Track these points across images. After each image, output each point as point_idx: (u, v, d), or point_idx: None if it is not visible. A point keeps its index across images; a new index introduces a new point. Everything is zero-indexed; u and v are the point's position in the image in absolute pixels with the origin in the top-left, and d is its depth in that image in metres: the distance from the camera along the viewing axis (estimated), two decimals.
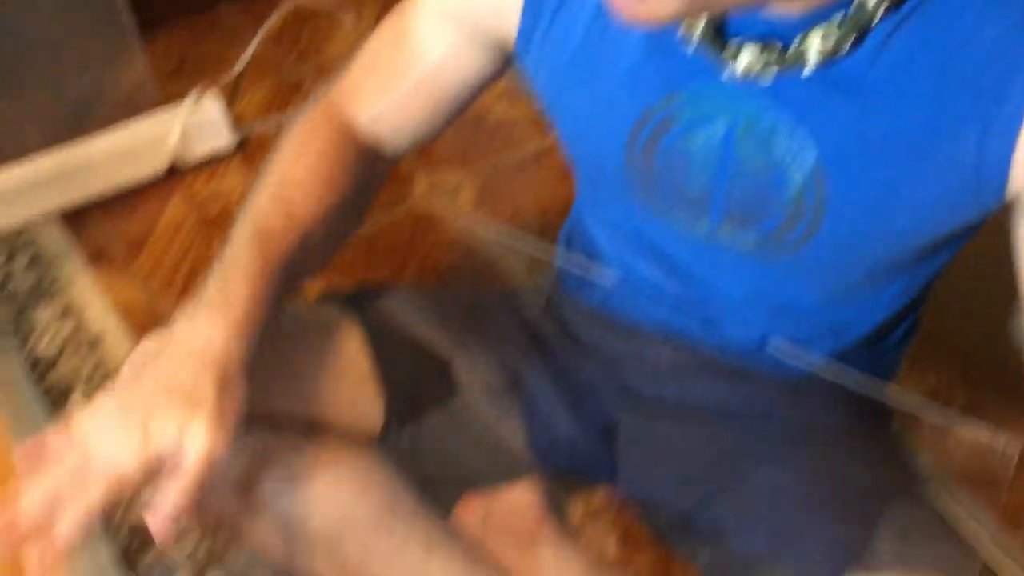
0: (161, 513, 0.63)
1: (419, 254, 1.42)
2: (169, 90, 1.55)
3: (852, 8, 0.60)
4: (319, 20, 1.80)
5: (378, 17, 1.82)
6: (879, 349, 0.86)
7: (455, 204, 1.48)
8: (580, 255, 0.92)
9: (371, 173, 0.85)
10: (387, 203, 1.44)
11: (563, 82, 0.75)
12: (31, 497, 0.61)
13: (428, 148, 1.51)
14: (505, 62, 0.82)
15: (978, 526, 0.93)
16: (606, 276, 0.87)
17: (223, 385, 0.65)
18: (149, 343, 0.67)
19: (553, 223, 0.98)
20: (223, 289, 0.70)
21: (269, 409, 0.81)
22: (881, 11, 0.60)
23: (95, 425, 0.62)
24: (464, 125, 1.55)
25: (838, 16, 0.60)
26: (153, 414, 0.62)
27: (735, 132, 0.67)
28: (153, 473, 0.62)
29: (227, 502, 0.80)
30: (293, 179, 0.78)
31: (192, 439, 0.62)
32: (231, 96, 1.62)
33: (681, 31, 0.65)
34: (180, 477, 0.61)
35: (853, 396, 0.84)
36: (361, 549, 0.80)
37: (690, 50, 0.65)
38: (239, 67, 1.66)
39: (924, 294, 0.83)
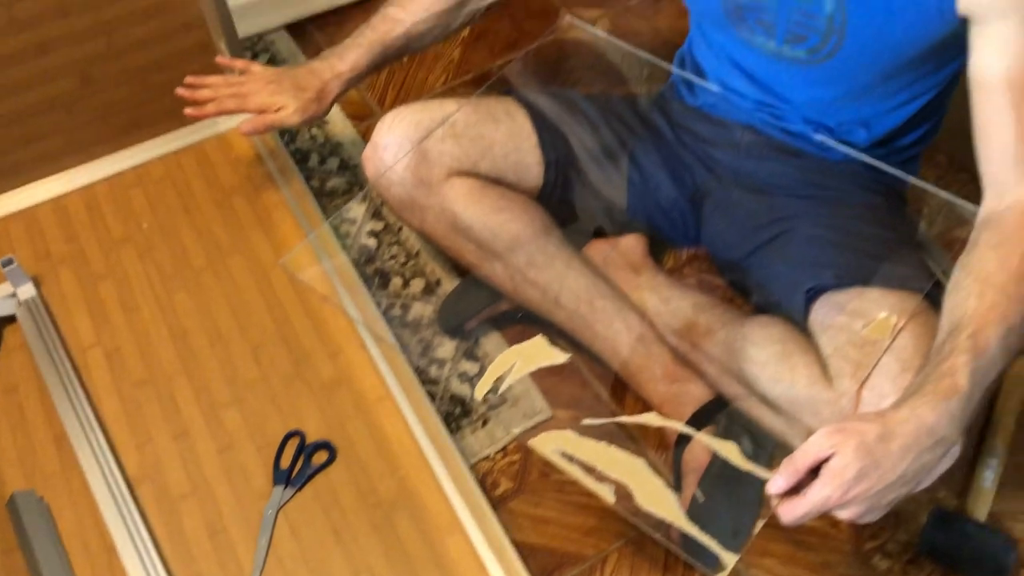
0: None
1: (570, 68, 1.63)
2: None
3: None
4: None
5: None
6: (900, 145, 1.12)
7: (593, 31, 1.69)
8: (691, 71, 1.22)
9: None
10: (539, 33, 1.72)
11: None
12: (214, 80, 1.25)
13: None
14: None
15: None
16: (708, 85, 1.18)
17: (318, 95, 1.19)
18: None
19: (669, 50, 1.25)
20: (342, 48, 1.24)
21: (472, 166, 1.18)
22: None
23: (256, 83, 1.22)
24: None
25: None
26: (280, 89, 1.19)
27: None
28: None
29: (447, 230, 1.17)
30: None
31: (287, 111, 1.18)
32: None
33: None
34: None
35: (878, 178, 1.11)
36: (525, 258, 1.16)
37: None
38: None
39: (934, 106, 1.07)
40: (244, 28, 1.67)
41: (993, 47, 0.87)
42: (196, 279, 1.35)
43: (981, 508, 1.09)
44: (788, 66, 1.03)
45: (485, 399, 1.13)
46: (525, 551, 1.11)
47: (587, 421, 0.99)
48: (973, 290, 0.84)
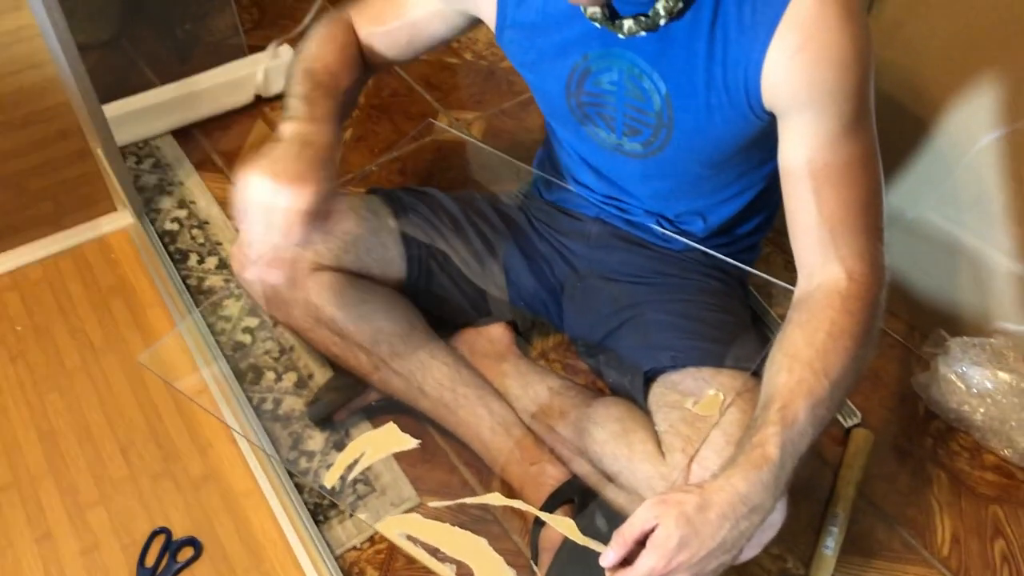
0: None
1: (439, 168, 1.69)
2: (253, 41, 1.87)
3: None
4: None
5: None
6: (738, 234, 1.20)
7: (467, 134, 1.78)
8: (548, 169, 1.30)
9: (365, 66, 1.15)
10: (418, 134, 1.80)
11: (525, 54, 1.05)
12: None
13: (450, 93, 1.87)
14: (472, 26, 1.12)
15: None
16: (559, 182, 1.25)
17: (319, 162, 0.92)
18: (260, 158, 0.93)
19: (535, 149, 1.33)
20: (306, 106, 0.98)
21: (335, 261, 1.22)
22: None
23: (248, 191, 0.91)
24: (478, 76, 1.92)
25: None
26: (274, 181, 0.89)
27: (623, 74, 0.97)
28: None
29: (312, 323, 1.19)
30: (331, 53, 1.08)
31: (292, 198, 0.89)
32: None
33: (589, 13, 0.94)
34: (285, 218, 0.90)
35: (717, 264, 1.19)
36: (389, 349, 1.19)
37: (596, 25, 0.95)
38: (306, 21, 1.95)
39: (765, 199, 1.14)
40: (128, 134, 1.72)
41: (795, 139, 0.93)
42: (68, 379, 1.36)
43: (823, 575, 1.14)
44: (627, 160, 1.09)
45: (333, 488, 1.15)
46: None
47: (433, 504, 1.01)
48: (783, 365, 0.90)
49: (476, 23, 1.11)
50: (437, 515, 1.06)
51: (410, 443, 1.09)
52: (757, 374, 1.04)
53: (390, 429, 1.10)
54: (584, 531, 1.10)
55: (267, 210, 0.89)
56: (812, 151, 0.91)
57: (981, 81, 1.21)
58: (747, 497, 0.84)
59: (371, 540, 1.20)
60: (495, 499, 1.11)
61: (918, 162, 1.33)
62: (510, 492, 1.21)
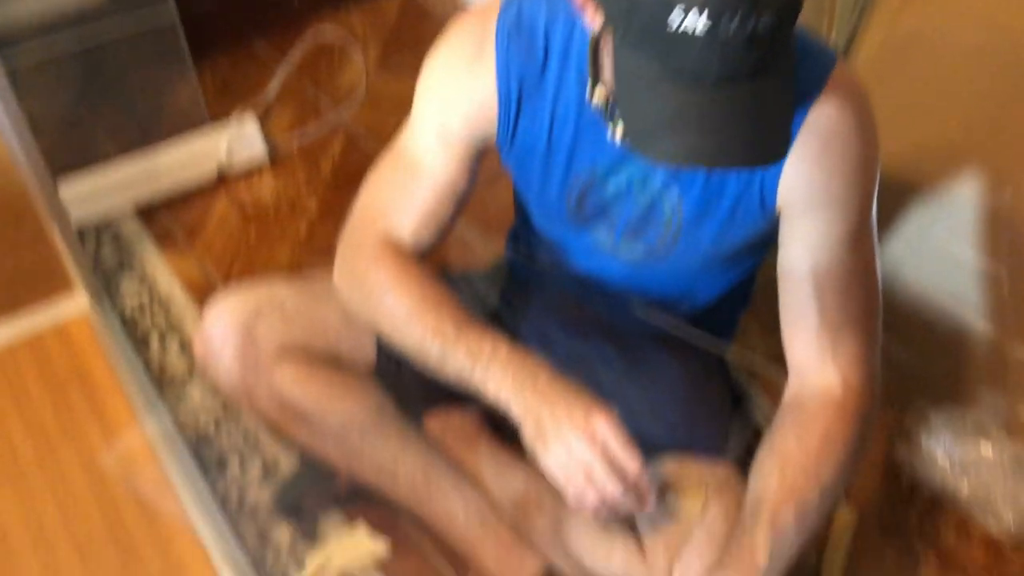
0: None
1: None
2: (215, 110, 1.84)
3: None
4: (333, 54, 2.08)
5: (379, 53, 2.09)
6: (720, 313, 1.17)
7: None
8: (523, 248, 1.26)
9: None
10: None
11: (528, 166, 1.01)
12: None
13: None
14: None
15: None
16: (536, 264, 1.20)
17: (564, 379, 0.92)
18: None
19: (504, 227, 1.29)
20: (483, 345, 0.94)
21: (303, 346, 1.18)
22: None
23: None
24: None
25: None
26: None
27: (633, 183, 0.97)
28: None
29: (278, 413, 1.14)
30: (423, 301, 0.98)
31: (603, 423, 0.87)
32: (264, 116, 1.90)
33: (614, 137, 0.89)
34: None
35: (698, 348, 1.14)
36: (359, 439, 1.14)
37: (608, 139, 0.92)
38: (271, 92, 1.95)
39: (750, 281, 1.14)
40: (87, 211, 1.68)
41: (801, 241, 0.91)
42: (21, 475, 1.30)
43: None
44: (622, 263, 1.07)
45: None
46: None
47: None
48: (775, 468, 0.89)
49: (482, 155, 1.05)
50: None
51: (379, 549, 1.04)
52: (739, 461, 1.02)
53: (358, 535, 1.04)
54: None
55: (600, 449, 0.86)
56: (818, 255, 0.90)
57: (958, 150, 1.22)
58: None
59: None
60: None
61: (895, 225, 1.33)
62: None
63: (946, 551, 1.25)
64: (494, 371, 0.93)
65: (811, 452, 0.88)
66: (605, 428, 0.87)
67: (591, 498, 0.86)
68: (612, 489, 0.85)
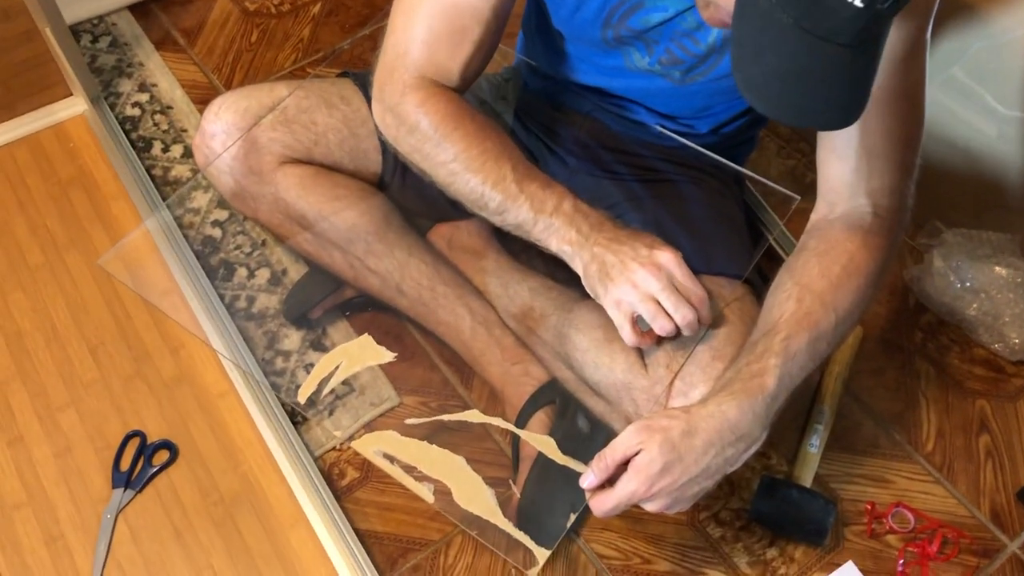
0: None
1: None
2: None
3: None
4: None
5: None
6: (739, 126, 1.11)
7: None
8: (537, 56, 1.18)
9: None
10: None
11: None
12: None
13: None
14: None
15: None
16: (552, 73, 1.14)
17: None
18: None
19: (511, 30, 1.20)
20: (545, 193, 0.93)
21: (305, 154, 1.15)
22: None
23: None
24: None
25: None
26: None
27: (680, 7, 0.92)
28: None
29: (282, 220, 1.13)
30: (481, 149, 0.95)
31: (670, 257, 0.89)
32: None
33: None
34: None
35: (715, 163, 1.12)
36: (364, 247, 1.14)
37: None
38: None
39: None
40: (79, 11, 1.60)
41: None
42: (32, 277, 1.31)
43: (807, 473, 1.13)
44: (654, 80, 1.03)
45: (310, 400, 1.12)
46: (370, 539, 1.11)
47: (410, 421, 0.99)
48: (793, 294, 0.87)
49: None
50: (402, 431, 1.02)
51: (386, 356, 1.05)
52: (749, 282, 1.01)
53: (366, 341, 1.06)
54: (564, 436, 1.08)
55: (667, 280, 0.88)
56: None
57: None
58: (736, 426, 0.83)
59: (352, 439, 1.18)
60: (473, 416, 1.08)
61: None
62: (490, 392, 1.19)
63: (947, 368, 1.26)
64: (558, 226, 0.93)
65: (832, 280, 0.87)
66: (670, 260, 0.88)
67: (662, 325, 0.88)
68: (683, 314, 0.87)
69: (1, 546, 1.10)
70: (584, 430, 1.11)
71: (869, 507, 1.13)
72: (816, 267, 0.88)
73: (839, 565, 1.08)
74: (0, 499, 1.13)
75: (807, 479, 1.13)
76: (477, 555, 1.10)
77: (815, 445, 1.15)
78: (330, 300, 1.25)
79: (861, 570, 1.07)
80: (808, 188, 1.41)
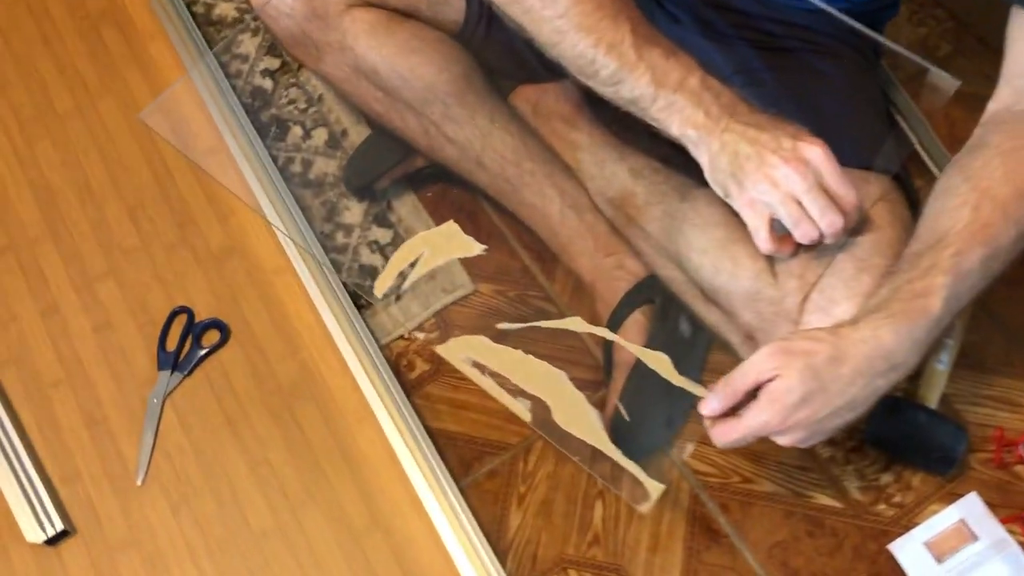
0: None
1: None
2: None
3: None
4: None
5: None
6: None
7: None
8: None
9: None
10: None
11: None
12: None
13: None
14: None
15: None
16: None
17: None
18: None
19: None
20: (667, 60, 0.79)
21: None
22: None
23: None
24: None
25: None
26: None
27: None
28: None
29: (348, 74, 0.99)
30: (596, 3, 0.81)
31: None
32: None
33: None
34: None
35: (851, 31, 0.94)
36: (442, 111, 1.00)
37: None
38: None
39: None
40: None
41: None
42: (61, 125, 1.17)
43: (933, 393, 1.01)
44: None
45: (386, 296, 0.99)
46: (442, 440, 1.02)
47: (502, 326, 0.87)
48: (969, 200, 0.74)
49: None
50: (494, 337, 0.89)
51: (475, 248, 0.92)
52: (897, 177, 0.87)
53: (451, 230, 0.92)
54: (663, 343, 0.96)
55: (814, 180, 0.74)
56: None
57: None
58: (892, 354, 0.71)
59: (421, 328, 1.07)
60: (576, 324, 0.95)
61: None
62: (575, 285, 1.07)
63: None
64: (681, 104, 0.77)
65: (1019, 186, 0.73)
66: (818, 156, 0.74)
67: (805, 231, 0.74)
68: (830, 220, 0.73)
69: (39, 425, 1.00)
70: (686, 335, 0.99)
71: (998, 433, 1.02)
72: (1000, 169, 0.74)
73: (961, 496, 0.97)
74: (36, 374, 1.03)
75: (933, 400, 1.01)
76: (559, 463, 1.00)
77: (943, 362, 1.02)
78: (400, 170, 1.11)
79: (986, 502, 0.97)
80: (942, 62, 1.25)
